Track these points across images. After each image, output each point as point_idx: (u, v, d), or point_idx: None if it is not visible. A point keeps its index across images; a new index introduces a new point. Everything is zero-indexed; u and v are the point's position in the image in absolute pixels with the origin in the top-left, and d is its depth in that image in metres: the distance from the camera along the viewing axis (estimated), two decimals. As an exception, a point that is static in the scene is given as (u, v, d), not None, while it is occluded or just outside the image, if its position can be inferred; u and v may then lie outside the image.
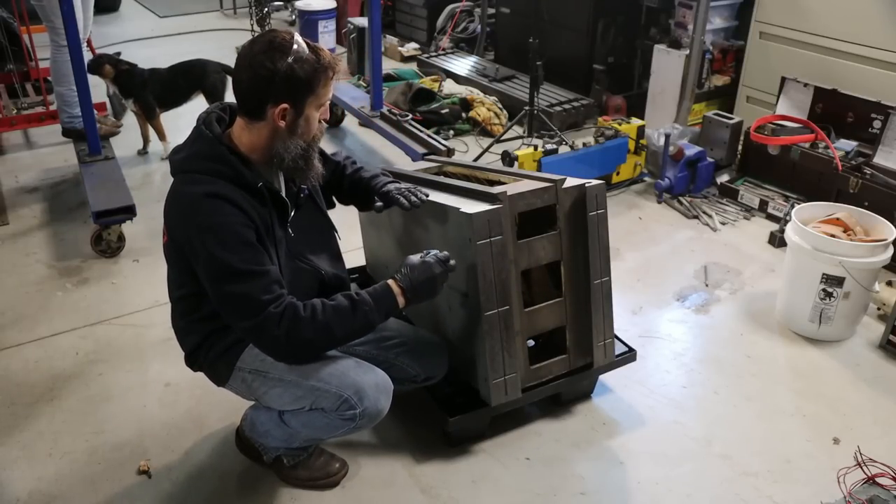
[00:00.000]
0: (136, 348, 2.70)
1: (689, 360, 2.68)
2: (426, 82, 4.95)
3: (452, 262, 1.94)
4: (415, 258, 1.92)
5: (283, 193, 1.95)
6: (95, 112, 3.68)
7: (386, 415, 1.94)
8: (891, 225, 2.72)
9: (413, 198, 2.09)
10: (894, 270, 3.04)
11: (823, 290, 2.68)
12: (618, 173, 3.84)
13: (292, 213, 1.97)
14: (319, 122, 1.89)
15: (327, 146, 2.12)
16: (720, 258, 3.30)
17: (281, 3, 7.20)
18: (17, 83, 4.47)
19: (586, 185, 2.14)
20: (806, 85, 3.73)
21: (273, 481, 2.13)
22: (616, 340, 2.38)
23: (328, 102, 1.89)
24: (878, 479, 2.14)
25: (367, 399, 1.88)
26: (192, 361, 2.02)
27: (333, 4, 5.80)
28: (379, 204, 2.14)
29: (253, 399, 2.03)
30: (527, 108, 4.10)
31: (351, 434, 2.02)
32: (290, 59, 1.75)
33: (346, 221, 2.46)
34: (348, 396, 1.88)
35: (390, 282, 1.90)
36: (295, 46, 1.77)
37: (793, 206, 3.07)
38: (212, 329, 1.94)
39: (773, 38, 4.03)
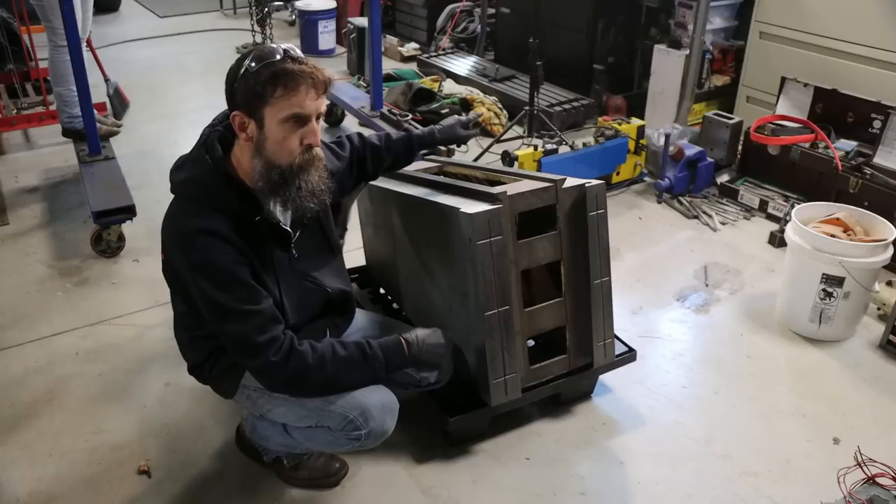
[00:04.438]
0: (136, 348, 2.70)
1: (689, 360, 2.68)
2: (426, 82, 4.94)
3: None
4: (437, 333, 1.98)
5: (288, 220, 1.89)
6: (95, 112, 3.67)
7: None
8: (891, 225, 2.72)
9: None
10: (894, 270, 3.04)
11: (823, 290, 2.68)
12: (618, 173, 3.84)
13: (297, 235, 1.93)
14: (306, 148, 1.73)
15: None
16: (720, 258, 3.30)
17: (281, 3, 7.19)
18: (17, 83, 4.46)
19: (586, 185, 2.14)
20: (806, 85, 3.73)
21: (273, 481, 2.13)
22: (616, 340, 2.38)
23: (312, 123, 1.72)
24: (878, 479, 2.13)
25: (372, 420, 1.87)
26: (197, 375, 2.02)
27: (333, 4, 5.81)
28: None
29: (258, 413, 2.02)
30: (527, 108, 4.10)
31: (354, 451, 2.02)
32: (247, 62, 1.67)
33: (346, 221, 2.46)
34: (354, 417, 1.86)
35: (402, 339, 1.92)
36: (263, 53, 1.68)
37: (793, 206, 3.07)
38: (213, 348, 1.93)
39: (773, 38, 4.03)
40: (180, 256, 1.77)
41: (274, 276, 1.85)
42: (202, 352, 1.95)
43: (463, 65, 5.41)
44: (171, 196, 1.85)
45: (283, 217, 1.87)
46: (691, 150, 3.73)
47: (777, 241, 3.35)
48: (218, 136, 1.80)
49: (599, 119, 4.01)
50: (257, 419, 2.06)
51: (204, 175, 1.76)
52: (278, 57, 1.68)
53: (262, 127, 1.71)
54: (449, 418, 2.16)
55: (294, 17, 6.66)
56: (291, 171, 1.74)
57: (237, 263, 1.74)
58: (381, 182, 2.55)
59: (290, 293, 1.89)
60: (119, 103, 4.69)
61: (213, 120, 1.87)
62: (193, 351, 1.98)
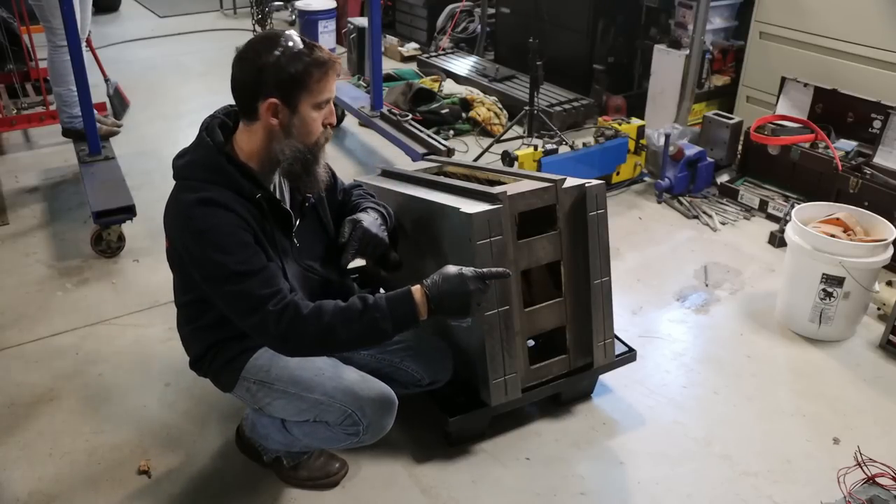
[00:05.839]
0: (136, 348, 2.70)
1: (689, 360, 2.68)
2: (426, 82, 4.94)
3: (491, 273, 1.79)
4: (452, 268, 1.78)
5: (288, 203, 1.93)
6: (95, 112, 3.67)
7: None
8: (891, 225, 2.72)
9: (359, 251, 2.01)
10: (894, 270, 3.04)
11: (823, 290, 2.68)
12: (618, 173, 3.84)
13: (297, 223, 1.95)
14: (324, 126, 1.84)
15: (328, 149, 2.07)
16: (720, 258, 3.30)
17: (281, 3, 7.19)
18: (17, 83, 4.46)
19: (586, 185, 2.14)
20: (806, 85, 3.73)
21: (273, 481, 2.13)
22: (616, 340, 2.38)
23: (331, 104, 1.84)
24: (878, 479, 2.14)
25: (371, 415, 1.88)
26: (197, 368, 2.02)
27: (333, 4, 5.80)
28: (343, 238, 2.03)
29: (257, 407, 2.02)
30: (527, 108, 4.10)
31: (352, 447, 2.02)
32: (278, 52, 1.73)
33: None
34: (352, 412, 1.87)
35: (414, 288, 1.77)
36: (289, 43, 1.74)
37: (793, 206, 3.07)
38: (217, 339, 1.93)
39: (773, 38, 4.03)
40: (182, 230, 1.77)
41: (278, 255, 1.85)
42: (204, 343, 1.96)
43: (463, 65, 5.41)
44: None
45: (283, 200, 1.92)
46: (691, 150, 3.73)
47: (777, 241, 3.34)
48: (219, 123, 1.85)
49: (599, 119, 4.01)
50: (257, 417, 2.06)
51: (206, 156, 1.80)
52: (303, 46, 1.75)
53: (295, 112, 1.77)
54: (449, 418, 2.16)
55: (294, 17, 6.65)
56: (317, 148, 1.84)
57: (239, 228, 1.75)
58: (382, 182, 2.55)
59: (294, 282, 1.89)
60: (119, 103, 4.69)
61: (214, 112, 1.90)
62: (195, 342, 1.98)
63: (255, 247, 1.77)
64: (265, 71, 1.73)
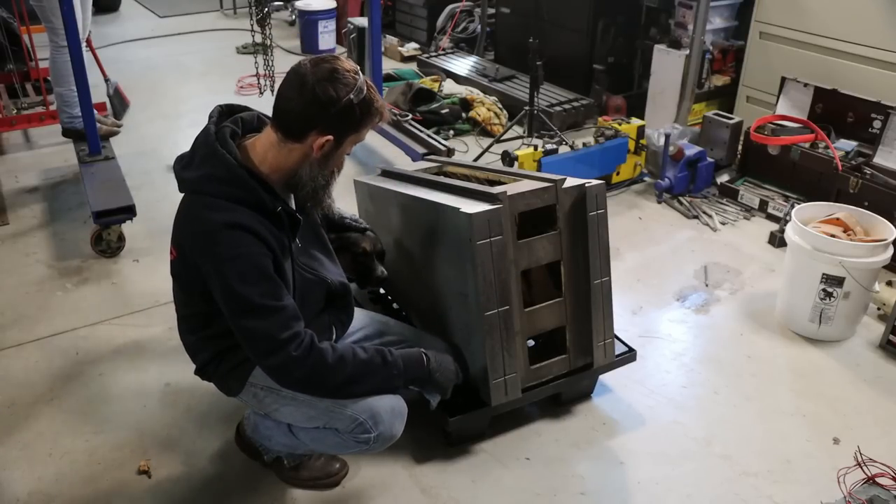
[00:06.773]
0: (136, 348, 2.70)
1: (689, 360, 2.68)
2: (426, 82, 4.94)
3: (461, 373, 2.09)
4: (450, 358, 2.05)
5: (295, 209, 1.92)
6: (95, 112, 3.67)
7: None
8: (891, 225, 2.72)
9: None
10: (894, 270, 3.04)
11: (823, 290, 2.68)
12: (618, 173, 3.84)
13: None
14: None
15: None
16: (720, 258, 3.30)
17: (281, 3, 7.19)
18: (17, 83, 4.46)
19: (586, 185, 2.14)
20: (806, 85, 3.73)
21: (273, 481, 2.13)
22: (616, 340, 2.38)
23: None
24: (878, 479, 2.14)
25: (382, 424, 1.87)
26: (203, 374, 2.01)
27: (333, 4, 5.81)
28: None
29: (263, 412, 2.01)
30: (527, 108, 4.10)
31: (360, 455, 2.02)
32: (351, 95, 1.71)
33: (346, 221, 2.45)
34: (363, 420, 1.86)
35: (422, 355, 1.96)
36: (358, 82, 1.73)
37: (793, 206, 3.07)
38: (222, 347, 1.93)
39: (773, 38, 4.03)
40: (204, 251, 1.75)
41: (290, 266, 1.86)
42: (209, 352, 1.95)
43: (463, 65, 5.41)
44: (171, 195, 1.84)
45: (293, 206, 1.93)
46: (691, 150, 3.73)
47: (777, 241, 3.35)
48: (230, 132, 1.81)
49: (599, 119, 4.01)
50: (260, 418, 2.06)
51: (223, 170, 1.75)
52: (366, 88, 1.76)
53: (339, 146, 1.80)
54: (449, 418, 2.16)
55: (294, 17, 6.65)
56: (336, 175, 1.90)
57: (264, 256, 1.74)
58: (382, 182, 2.55)
59: (295, 284, 1.89)
60: (119, 103, 4.69)
61: (212, 116, 1.85)
62: (200, 351, 1.97)
63: (276, 279, 1.77)
64: (334, 108, 1.71)
